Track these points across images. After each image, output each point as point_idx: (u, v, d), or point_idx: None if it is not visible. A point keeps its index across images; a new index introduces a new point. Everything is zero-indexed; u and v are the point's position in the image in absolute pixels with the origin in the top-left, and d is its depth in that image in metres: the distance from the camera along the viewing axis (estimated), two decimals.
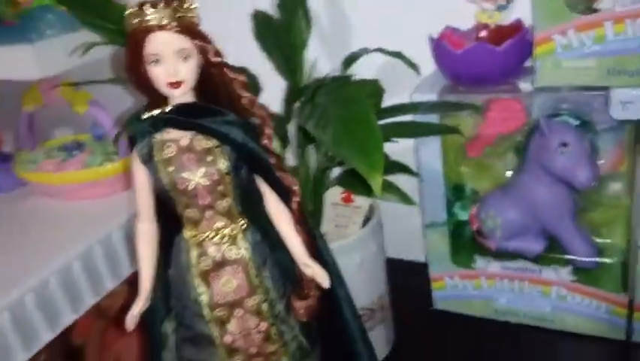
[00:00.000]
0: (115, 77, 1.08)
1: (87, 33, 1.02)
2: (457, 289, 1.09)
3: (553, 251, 1.02)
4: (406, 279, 1.12)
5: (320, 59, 1.09)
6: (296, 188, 0.64)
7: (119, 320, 1.21)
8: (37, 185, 1.24)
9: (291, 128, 1.01)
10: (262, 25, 1.01)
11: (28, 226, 1.17)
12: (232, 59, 0.65)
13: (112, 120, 1.21)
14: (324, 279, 0.66)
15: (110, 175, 1.19)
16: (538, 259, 1.02)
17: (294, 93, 0.90)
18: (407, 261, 1.22)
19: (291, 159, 0.98)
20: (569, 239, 0.99)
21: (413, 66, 1.01)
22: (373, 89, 0.86)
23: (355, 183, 0.87)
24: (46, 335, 0.98)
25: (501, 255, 1.04)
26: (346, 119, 0.62)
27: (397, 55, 1.00)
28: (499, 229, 1.03)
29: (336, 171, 0.99)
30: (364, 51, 1.00)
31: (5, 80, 1.08)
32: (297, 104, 0.94)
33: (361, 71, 1.01)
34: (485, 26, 0.96)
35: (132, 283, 1.18)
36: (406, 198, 0.89)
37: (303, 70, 1.00)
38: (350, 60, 0.98)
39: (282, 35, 0.92)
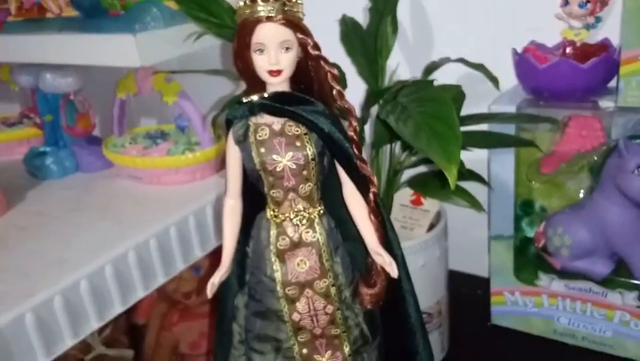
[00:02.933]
0: (209, 69, 1.15)
1: (187, 27, 1.10)
2: (517, 305, 1.08)
3: (620, 274, 1.00)
4: (466, 291, 1.12)
5: (401, 66, 1.13)
6: (374, 178, 0.68)
7: (186, 307, 1.27)
8: (123, 167, 1.32)
9: (366, 131, 1.05)
10: (349, 30, 1.05)
11: (111, 203, 1.24)
12: None
13: (198, 113, 1.28)
14: (393, 268, 0.69)
15: (191, 164, 1.26)
16: (604, 282, 0.99)
17: (373, 95, 0.93)
18: (468, 274, 1.23)
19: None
20: (638, 264, 0.97)
21: (494, 79, 1.02)
22: (455, 93, 0.89)
23: (426, 185, 0.89)
24: (118, 308, 1.03)
25: (566, 274, 1.03)
26: (427, 113, 0.65)
27: (479, 67, 1.02)
28: (567, 248, 1.02)
29: (407, 174, 1.02)
30: (446, 60, 1.02)
31: (103, 67, 1.17)
32: (375, 106, 0.98)
33: (441, 79, 1.04)
34: (571, 43, 0.96)
35: (197, 270, 1.24)
36: (475, 203, 0.90)
37: (385, 75, 1.03)
38: (431, 68, 1.01)
39: (368, 40, 0.96)
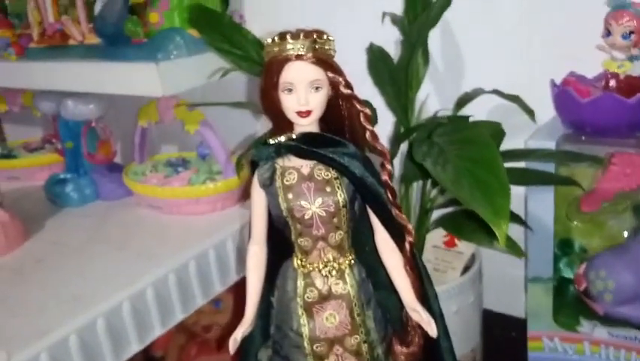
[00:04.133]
0: (234, 101, 1.12)
1: (211, 56, 1.07)
2: (556, 352, 1.01)
3: None
4: (502, 334, 1.06)
5: (430, 97, 1.08)
6: (410, 227, 0.63)
7: (205, 340, 1.23)
8: (143, 196, 1.30)
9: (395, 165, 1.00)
10: (376, 58, 1.01)
11: (130, 234, 1.21)
12: None
13: (220, 141, 1.25)
14: (432, 328, 0.63)
15: (212, 194, 1.23)
16: None
17: (404, 132, 0.89)
18: (504, 314, 1.16)
19: None
20: None
21: (530, 112, 0.98)
22: (495, 131, 0.84)
23: (461, 228, 0.84)
24: (135, 347, 0.99)
25: (609, 321, 0.96)
26: (469, 158, 0.60)
27: (514, 98, 0.97)
28: (610, 292, 0.95)
29: (439, 212, 0.96)
30: (479, 92, 0.98)
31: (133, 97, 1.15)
32: (405, 142, 0.93)
33: (471, 112, 0.99)
34: (614, 76, 0.91)
35: (217, 302, 1.20)
36: (516, 249, 0.85)
37: (414, 107, 0.99)
38: (464, 100, 0.97)
39: (398, 72, 0.92)
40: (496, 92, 0.98)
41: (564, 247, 1.04)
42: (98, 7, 1.26)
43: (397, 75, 0.92)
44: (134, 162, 1.39)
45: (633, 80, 0.91)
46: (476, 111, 1.01)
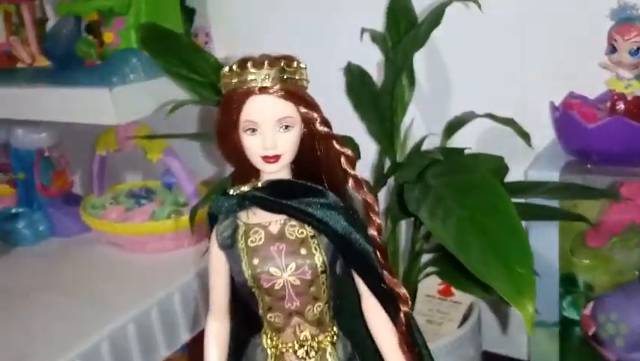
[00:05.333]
0: (196, 132, 1.00)
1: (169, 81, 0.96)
2: None
3: None
4: None
5: (416, 120, 0.98)
6: (405, 293, 0.51)
7: None
8: (102, 233, 1.18)
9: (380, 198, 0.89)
10: (356, 80, 0.91)
11: (86, 277, 1.11)
12: None
13: (186, 171, 1.14)
14: None
15: (177, 230, 1.12)
16: None
17: (391, 168, 0.77)
18: (506, 357, 1.06)
19: None
20: None
21: (525, 136, 0.89)
22: (496, 166, 0.72)
23: (458, 276, 0.73)
24: None
25: None
26: (475, 209, 0.49)
27: (508, 122, 0.88)
28: (622, 337, 0.86)
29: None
30: (471, 115, 0.89)
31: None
32: (392, 178, 0.83)
33: (461, 136, 0.90)
34: (621, 97, 0.82)
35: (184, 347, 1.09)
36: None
37: (400, 133, 0.89)
38: (454, 125, 0.87)
39: (382, 96, 0.81)
40: (489, 115, 0.88)
41: (567, 284, 0.95)
42: (50, 27, 1.16)
43: (381, 100, 0.82)
44: (93, 193, 1.27)
45: None
46: (466, 136, 0.92)
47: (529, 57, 0.95)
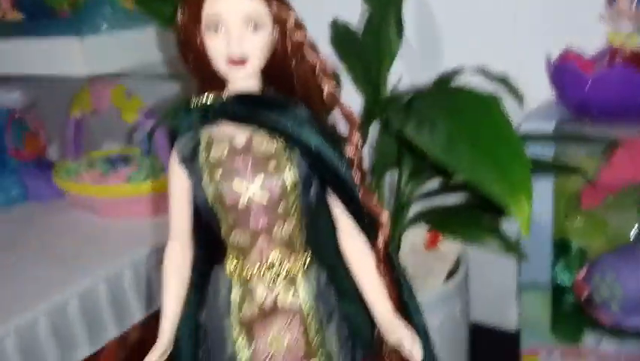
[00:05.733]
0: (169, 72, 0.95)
1: (148, 30, 0.92)
2: None
3: None
4: (492, 350, 0.91)
5: (403, 79, 0.93)
6: (385, 216, 0.46)
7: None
8: (76, 196, 1.14)
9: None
10: (341, 35, 0.87)
11: (57, 240, 1.07)
12: None
13: (163, 133, 1.09)
14: (414, 351, 0.47)
15: (154, 192, 1.07)
16: None
17: (377, 105, 0.73)
18: (494, 328, 1.01)
19: None
20: None
21: (518, 95, 0.84)
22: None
23: (447, 222, 0.68)
24: None
25: (618, 332, 0.85)
26: (466, 122, 0.44)
27: (501, 80, 0.83)
28: (618, 300, 0.83)
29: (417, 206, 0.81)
30: (460, 70, 0.84)
31: (56, 79, 0.99)
32: (375, 124, 0.78)
33: None
34: (620, 50, 0.78)
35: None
36: (513, 247, 0.69)
37: (387, 87, 0.84)
38: (443, 80, 0.82)
39: (366, 43, 0.76)
40: (480, 70, 0.84)
41: (560, 249, 0.92)
42: None
43: (366, 45, 0.77)
44: (68, 158, 1.22)
45: None
46: None
47: (521, 8, 0.91)
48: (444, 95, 0.55)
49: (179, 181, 0.49)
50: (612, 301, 0.84)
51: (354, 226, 0.48)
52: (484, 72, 0.86)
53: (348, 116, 0.46)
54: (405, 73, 0.97)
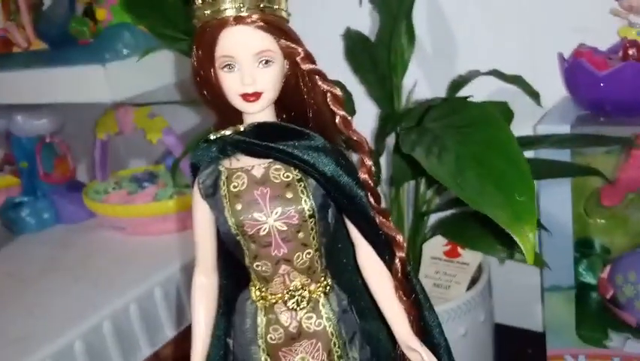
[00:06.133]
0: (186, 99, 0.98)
1: (168, 53, 0.94)
2: None
3: None
4: (517, 352, 0.92)
5: (419, 84, 0.94)
6: (400, 239, 0.48)
7: None
8: (105, 217, 1.17)
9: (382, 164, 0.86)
10: (355, 45, 0.88)
11: (89, 261, 1.10)
12: None
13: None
14: None
15: (181, 210, 1.10)
16: None
17: (389, 120, 0.74)
18: (519, 329, 1.01)
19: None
20: None
21: (534, 94, 0.85)
22: (501, 112, 0.68)
23: (464, 233, 0.69)
24: None
25: None
26: (474, 142, 0.45)
27: (515, 80, 0.84)
28: None
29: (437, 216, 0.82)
30: (475, 74, 0.85)
31: (81, 104, 1.02)
32: (392, 134, 0.79)
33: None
34: (634, 44, 0.77)
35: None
36: (536, 258, 0.70)
37: (401, 95, 0.85)
38: (458, 84, 0.83)
39: (378, 53, 0.78)
40: (495, 72, 0.84)
41: (583, 247, 0.91)
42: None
43: (378, 57, 0.78)
44: (96, 179, 1.26)
45: None
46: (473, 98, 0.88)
47: (534, 8, 0.91)
48: (454, 112, 0.55)
49: (202, 214, 0.51)
50: (636, 300, 0.82)
51: (372, 249, 0.50)
52: (499, 74, 0.87)
53: (360, 144, 0.48)
54: (421, 77, 0.99)
